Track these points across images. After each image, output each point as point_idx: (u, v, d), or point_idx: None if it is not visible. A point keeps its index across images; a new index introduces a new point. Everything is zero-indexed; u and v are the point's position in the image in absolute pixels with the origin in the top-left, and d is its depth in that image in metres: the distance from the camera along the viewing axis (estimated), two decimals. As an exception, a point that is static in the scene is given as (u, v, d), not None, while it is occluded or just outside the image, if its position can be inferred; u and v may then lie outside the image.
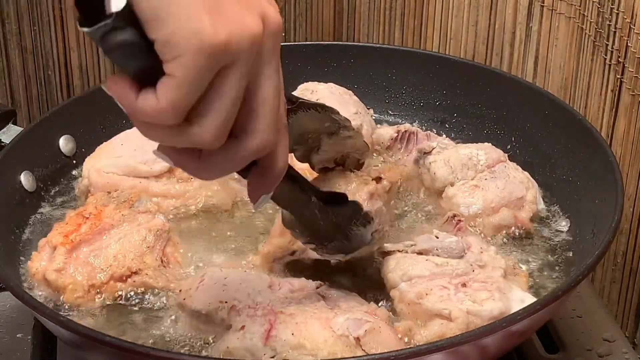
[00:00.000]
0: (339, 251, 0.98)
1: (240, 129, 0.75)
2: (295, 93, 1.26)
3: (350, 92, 1.32)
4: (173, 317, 1.00)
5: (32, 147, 1.20)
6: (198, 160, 0.76)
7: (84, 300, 1.01)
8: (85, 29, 0.70)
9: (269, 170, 0.80)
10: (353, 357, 0.90)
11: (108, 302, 1.02)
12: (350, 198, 0.97)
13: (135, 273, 1.03)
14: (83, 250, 1.04)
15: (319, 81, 1.31)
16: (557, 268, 1.09)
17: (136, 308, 1.02)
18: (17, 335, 1.06)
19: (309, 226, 0.95)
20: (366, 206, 1.00)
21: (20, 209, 1.16)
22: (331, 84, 1.26)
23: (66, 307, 1.02)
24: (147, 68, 0.71)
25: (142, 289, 1.03)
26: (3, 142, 1.41)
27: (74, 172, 1.24)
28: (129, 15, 0.70)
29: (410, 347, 0.94)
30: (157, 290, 1.03)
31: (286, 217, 0.95)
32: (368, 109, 1.34)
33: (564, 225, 1.15)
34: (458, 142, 1.25)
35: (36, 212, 1.18)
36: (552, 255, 1.11)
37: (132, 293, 1.03)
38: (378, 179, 1.06)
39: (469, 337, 0.89)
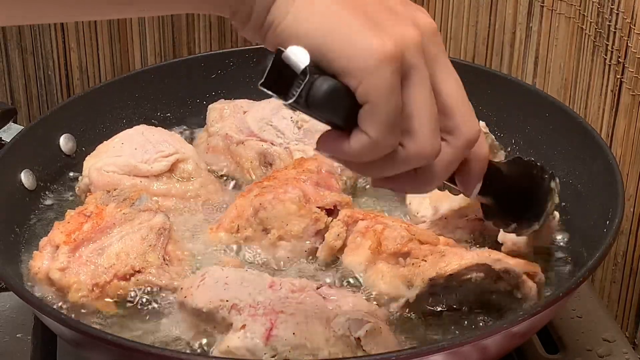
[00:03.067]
0: (534, 218, 1.00)
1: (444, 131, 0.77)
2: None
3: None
4: (173, 315, 1.00)
5: (33, 146, 1.20)
6: (415, 178, 0.78)
7: (88, 300, 1.01)
8: (291, 101, 0.72)
9: (478, 161, 0.83)
10: (353, 357, 0.90)
11: (111, 301, 1.02)
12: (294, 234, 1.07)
13: (139, 271, 1.03)
14: (86, 249, 1.04)
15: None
16: (557, 270, 1.09)
17: (137, 306, 1.02)
18: (17, 335, 1.06)
19: (505, 204, 0.97)
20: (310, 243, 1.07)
21: (21, 208, 1.16)
22: (331, 84, 1.26)
23: (68, 306, 1.02)
24: (352, 107, 0.73)
25: (144, 287, 1.03)
26: (3, 141, 1.41)
27: (74, 171, 1.24)
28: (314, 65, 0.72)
29: (410, 348, 0.94)
30: (158, 288, 1.03)
31: (486, 210, 0.98)
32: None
33: (563, 225, 1.15)
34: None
35: (36, 211, 1.18)
36: (552, 257, 1.11)
37: (134, 292, 1.03)
38: (331, 212, 1.08)
39: (469, 338, 0.89)
